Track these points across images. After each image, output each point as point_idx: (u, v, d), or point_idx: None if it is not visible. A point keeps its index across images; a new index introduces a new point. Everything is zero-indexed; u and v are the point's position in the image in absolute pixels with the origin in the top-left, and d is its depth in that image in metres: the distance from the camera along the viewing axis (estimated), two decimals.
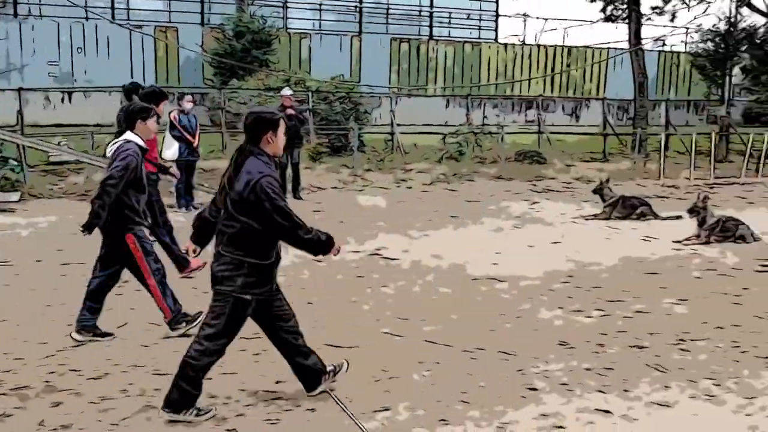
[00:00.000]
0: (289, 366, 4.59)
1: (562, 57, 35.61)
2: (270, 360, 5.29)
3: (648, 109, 22.69)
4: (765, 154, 17.33)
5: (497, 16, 37.05)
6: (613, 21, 22.80)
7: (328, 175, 15.13)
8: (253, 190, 4.06)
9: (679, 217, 10.97)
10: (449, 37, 34.83)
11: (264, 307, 4.35)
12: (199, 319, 5.42)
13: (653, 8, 22.47)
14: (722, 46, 21.88)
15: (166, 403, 4.26)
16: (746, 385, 5.01)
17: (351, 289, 7.26)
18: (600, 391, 4.85)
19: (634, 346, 5.75)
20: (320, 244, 4.25)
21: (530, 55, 34.96)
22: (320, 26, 31.73)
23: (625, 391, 4.87)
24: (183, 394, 4.23)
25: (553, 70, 34.85)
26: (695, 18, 32.94)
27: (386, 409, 4.51)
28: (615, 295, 7.16)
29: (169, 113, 11.07)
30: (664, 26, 31.89)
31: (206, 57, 24.78)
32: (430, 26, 34.36)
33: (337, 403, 4.56)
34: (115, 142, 5.73)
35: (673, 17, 22.74)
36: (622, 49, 31.25)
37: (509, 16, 39.05)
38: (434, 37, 33.81)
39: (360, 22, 32.58)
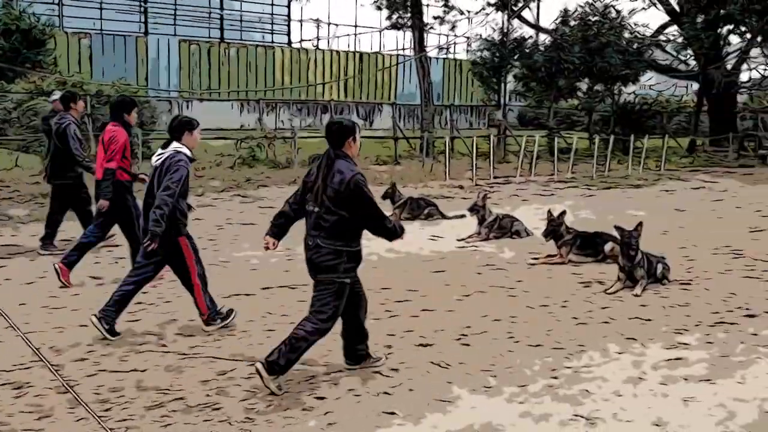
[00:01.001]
0: (343, 340, 5.27)
1: (354, 62, 36.53)
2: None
3: (434, 114, 23.88)
4: (536, 154, 18.89)
5: (289, 20, 37.22)
6: (398, 28, 23.77)
7: None
8: (348, 186, 4.74)
9: (462, 216, 11.55)
10: (241, 40, 34.37)
11: (350, 288, 4.98)
12: (231, 317, 6.19)
13: (435, 17, 23.73)
14: (497, 54, 23.56)
15: (268, 366, 4.75)
16: (519, 373, 5.34)
17: (129, 307, 6.79)
18: (386, 393, 4.92)
19: (419, 345, 5.92)
20: (396, 232, 5.03)
21: (323, 59, 35.46)
22: (101, 26, 29.88)
23: (411, 390, 4.99)
24: (288, 363, 4.82)
25: (345, 74, 35.63)
26: (470, 30, 35.22)
27: None
28: (403, 296, 7.36)
29: None
30: (447, 35, 33.84)
31: None
32: (221, 29, 33.70)
33: None
34: (162, 153, 5.91)
35: (453, 27, 24.19)
36: (408, 56, 32.69)
37: (301, 21, 39.37)
38: (225, 40, 33.17)
39: (146, 23, 31.16)
